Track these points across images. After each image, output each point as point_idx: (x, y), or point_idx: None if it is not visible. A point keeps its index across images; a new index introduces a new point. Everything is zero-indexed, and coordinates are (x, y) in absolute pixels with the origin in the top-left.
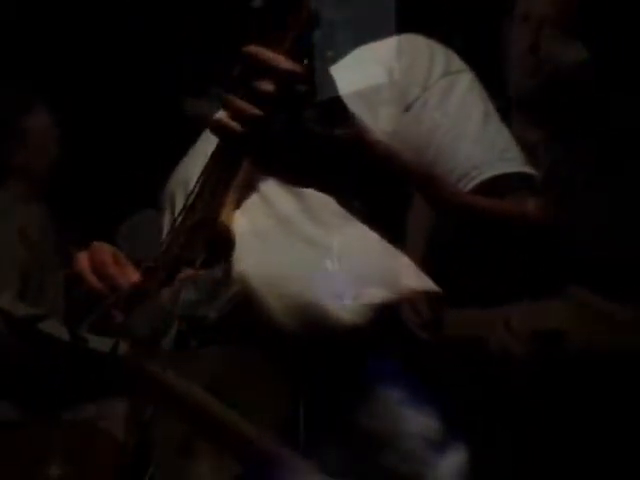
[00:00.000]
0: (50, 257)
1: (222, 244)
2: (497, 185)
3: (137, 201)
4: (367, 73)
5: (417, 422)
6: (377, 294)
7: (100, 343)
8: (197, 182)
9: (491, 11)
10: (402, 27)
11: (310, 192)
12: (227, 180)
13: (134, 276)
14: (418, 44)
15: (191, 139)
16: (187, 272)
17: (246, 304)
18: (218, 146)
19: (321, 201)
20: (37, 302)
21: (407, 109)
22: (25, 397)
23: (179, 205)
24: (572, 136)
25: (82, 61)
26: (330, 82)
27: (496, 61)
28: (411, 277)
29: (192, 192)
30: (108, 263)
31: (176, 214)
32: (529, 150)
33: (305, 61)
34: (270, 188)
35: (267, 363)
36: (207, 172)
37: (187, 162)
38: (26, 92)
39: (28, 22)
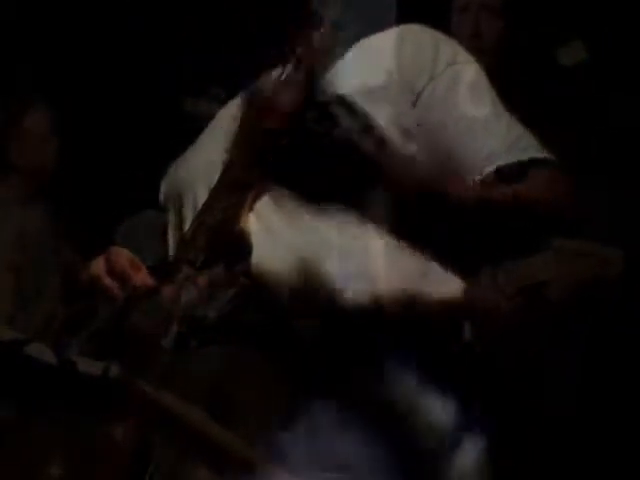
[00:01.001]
0: (48, 258)
1: (242, 248)
2: (512, 172)
3: (137, 201)
4: (371, 68)
5: (432, 413)
6: (386, 292)
7: (89, 366)
8: (214, 188)
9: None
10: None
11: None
12: (248, 188)
13: (150, 280)
14: (422, 34)
15: (191, 139)
16: (187, 272)
17: (246, 303)
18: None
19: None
20: (34, 304)
21: (415, 100)
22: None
23: (188, 206)
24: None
25: (82, 61)
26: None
27: None
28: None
29: (210, 197)
30: (126, 267)
31: (184, 215)
32: None
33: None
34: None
35: (267, 363)
36: (226, 178)
37: (189, 162)
38: (25, 91)
39: (29, 22)
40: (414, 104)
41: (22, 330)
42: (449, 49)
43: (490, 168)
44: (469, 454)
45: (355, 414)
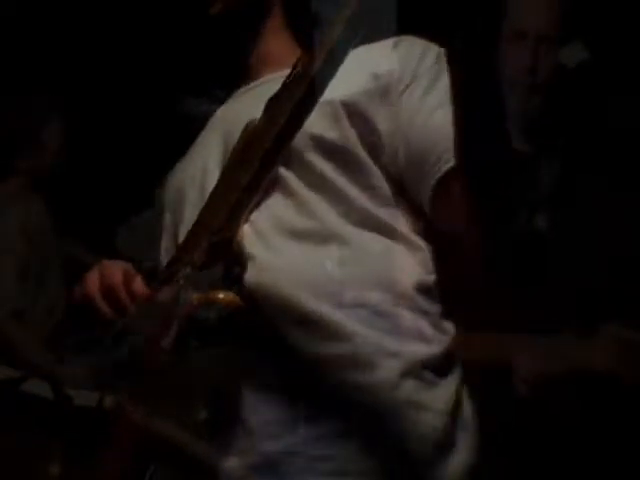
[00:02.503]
0: (50, 252)
1: (238, 263)
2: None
3: (137, 201)
4: (371, 71)
5: (421, 423)
6: (376, 297)
7: (85, 399)
8: (212, 192)
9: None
10: (402, 27)
11: (309, 198)
12: (248, 202)
13: (145, 288)
14: (415, 39)
15: (191, 139)
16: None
17: (246, 306)
18: (230, 164)
19: (315, 200)
20: (37, 297)
21: (401, 95)
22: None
23: (189, 210)
24: (573, 151)
25: (82, 62)
26: None
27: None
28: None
29: (209, 201)
30: (120, 288)
31: (184, 219)
32: (522, 163)
33: None
34: (270, 197)
35: (266, 363)
36: (225, 182)
37: (184, 166)
38: (43, 102)
39: (29, 22)
40: (400, 96)
41: (25, 323)
42: (433, 54)
43: (448, 165)
44: (461, 456)
45: (352, 419)
